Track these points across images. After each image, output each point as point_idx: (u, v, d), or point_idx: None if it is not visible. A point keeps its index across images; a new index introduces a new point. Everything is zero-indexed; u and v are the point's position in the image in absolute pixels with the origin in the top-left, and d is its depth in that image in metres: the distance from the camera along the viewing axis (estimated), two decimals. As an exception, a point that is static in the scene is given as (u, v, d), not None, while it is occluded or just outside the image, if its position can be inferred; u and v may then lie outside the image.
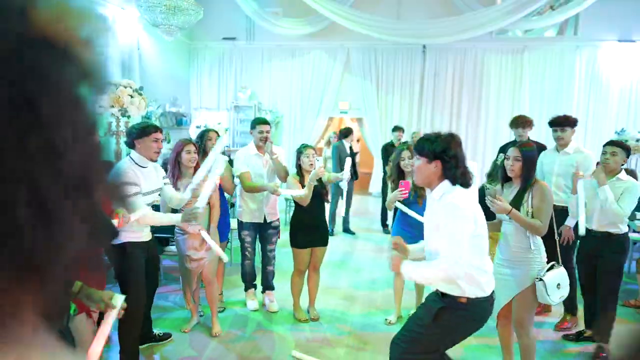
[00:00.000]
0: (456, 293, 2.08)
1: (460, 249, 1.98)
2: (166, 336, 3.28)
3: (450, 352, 2.27)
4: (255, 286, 3.98)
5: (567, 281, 2.70)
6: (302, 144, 3.69)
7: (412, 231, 3.36)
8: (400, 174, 3.41)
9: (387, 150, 6.68)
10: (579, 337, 3.46)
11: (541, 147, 4.20)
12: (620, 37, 8.51)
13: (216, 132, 3.78)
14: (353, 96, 9.62)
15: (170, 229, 3.47)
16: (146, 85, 5.92)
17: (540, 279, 2.56)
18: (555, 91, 8.62)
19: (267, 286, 3.93)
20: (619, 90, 8.47)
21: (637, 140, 6.45)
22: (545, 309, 3.88)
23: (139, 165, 2.78)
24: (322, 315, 3.75)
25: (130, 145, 2.85)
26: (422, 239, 3.77)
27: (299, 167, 3.57)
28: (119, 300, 1.79)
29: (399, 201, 3.35)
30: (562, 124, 3.59)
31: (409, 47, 9.15)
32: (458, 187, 2.08)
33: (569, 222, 3.44)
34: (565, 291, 2.70)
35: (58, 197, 0.29)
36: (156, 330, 3.28)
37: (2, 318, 0.29)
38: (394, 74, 9.41)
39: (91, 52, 0.32)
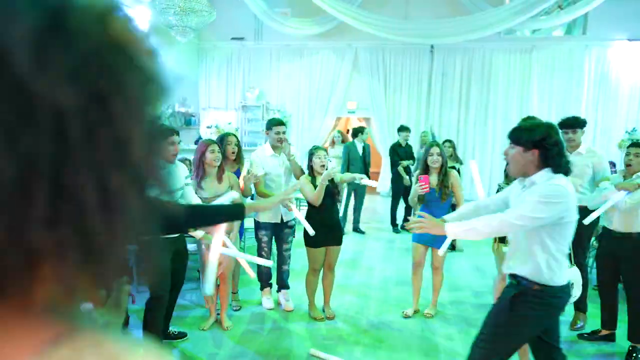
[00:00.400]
0: (532, 276, 2.00)
1: (529, 217, 1.92)
2: (181, 335, 3.32)
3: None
4: (270, 285, 4.03)
5: (581, 281, 2.73)
6: (314, 146, 3.76)
7: None
8: (425, 170, 3.53)
9: (395, 150, 6.74)
10: (594, 336, 3.49)
11: None
12: (630, 36, 8.50)
13: (235, 136, 3.83)
14: (361, 96, 9.66)
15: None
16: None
17: None
18: (563, 91, 8.63)
19: (283, 285, 3.98)
20: (629, 89, 8.47)
21: None
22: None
23: None
24: (337, 313, 3.80)
25: None
26: (443, 238, 3.76)
27: (310, 168, 3.62)
28: None
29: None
30: (573, 125, 3.54)
31: (416, 46, 9.17)
32: (562, 176, 2.01)
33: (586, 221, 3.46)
34: (578, 291, 2.72)
35: (121, 186, 0.31)
36: (172, 328, 3.34)
37: (69, 300, 0.31)
38: (401, 73, 9.43)
39: (154, 61, 0.36)
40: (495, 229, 2.06)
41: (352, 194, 6.78)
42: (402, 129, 6.88)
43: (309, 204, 3.59)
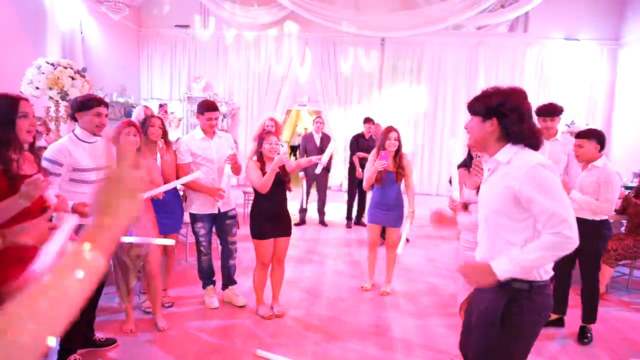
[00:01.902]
0: (526, 275, 1.61)
1: (570, 208, 1.54)
2: (110, 342, 2.96)
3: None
4: (214, 282, 3.73)
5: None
6: (265, 131, 3.52)
7: (386, 210, 3.98)
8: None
9: (357, 141, 6.50)
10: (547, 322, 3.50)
11: None
12: (567, 35, 8.90)
13: (160, 118, 3.47)
14: (312, 88, 9.47)
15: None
16: (90, 72, 5.46)
17: None
18: (508, 85, 8.86)
19: (230, 281, 3.70)
20: (565, 86, 8.87)
21: None
22: None
23: (83, 141, 2.64)
24: (286, 310, 3.57)
25: (73, 118, 2.69)
26: (389, 216, 3.94)
27: (260, 154, 3.37)
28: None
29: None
30: (552, 113, 3.49)
31: (368, 39, 9.10)
32: (528, 149, 1.65)
33: None
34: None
35: None
36: (99, 334, 2.97)
37: None
38: (352, 66, 9.34)
39: None
40: (555, 252, 1.55)
41: (314, 185, 6.56)
42: (366, 120, 6.53)
43: (256, 193, 3.34)
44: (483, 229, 1.77)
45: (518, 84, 8.97)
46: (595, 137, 3.14)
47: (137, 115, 3.92)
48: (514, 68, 8.99)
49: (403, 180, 3.92)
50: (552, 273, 1.67)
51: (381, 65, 9.29)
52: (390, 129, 3.89)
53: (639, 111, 7.87)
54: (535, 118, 3.58)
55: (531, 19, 8.94)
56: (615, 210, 3.96)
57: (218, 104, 9.08)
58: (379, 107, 9.29)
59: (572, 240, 1.53)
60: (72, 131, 2.71)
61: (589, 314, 3.30)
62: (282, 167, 3.31)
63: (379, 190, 3.95)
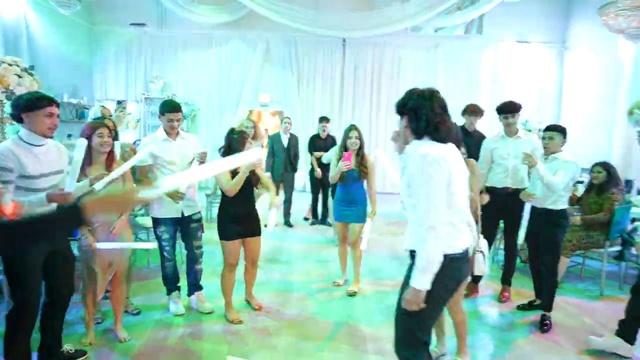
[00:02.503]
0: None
1: (437, 211, 1.78)
2: (79, 354, 2.79)
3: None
4: (179, 288, 3.60)
5: (487, 251, 2.95)
6: (234, 130, 3.40)
7: (350, 207, 3.99)
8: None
9: (313, 142, 6.52)
10: (531, 306, 3.72)
11: (480, 136, 4.43)
12: (518, 38, 9.32)
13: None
14: (273, 89, 9.40)
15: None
16: (38, 71, 5.15)
17: (480, 251, 2.62)
18: (465, 85, 9.18)
19: (196, 286, 3.58)
20: (518, 86, 9.27)
21: (539, 130, 7.06)
22: (472, 290, 4.03)
23: (29, 144, 2.37)
24: (257, 312, 3.52)
25: (17, 119, 2.40)
26: (353, 212, 3.98)
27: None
28: None
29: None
30: (513, 110, 3.73)
31: (329, 40, 9.15)
32: (428, 140, 1.88)
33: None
34: (487, 261, 2.93)
35: None
36: (67, 346, 2.79)
37: None
38: (315, 66, 9.35)
39: None
40: (436, 250, 1.81)
41: (281, 186, 6.49)
42: (320, 119, 6.51)
43: (223, 195, 3.27)
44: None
45: (474, 84, 9.34)
46: (562, 131, 3.44)
47: (93, 115, 3.74)
48: (471, 69, 9.30)
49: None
50: (461, 249, 1.88)
51: (342, 65, 9.36)
52: (351, 128, 3.94)
53: (584, 110, 8.35)
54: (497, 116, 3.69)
55: (485, 22, 9.29)
56: (571, 200, 4.22)
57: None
58: (341, 107, 9.35)
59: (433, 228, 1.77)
60: (17, 133, 2.42)
61: (548, 303, 3.45)
62: (252, 171, 3.26)
63: (342, 188, 4.02)
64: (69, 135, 7.41)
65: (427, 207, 1.78)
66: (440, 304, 2.00)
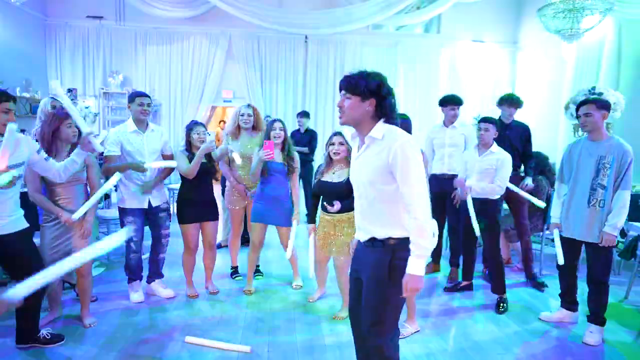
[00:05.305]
0: (396, 234, 1.86)
1: (426, 198, 1.81)
2: (56, 338, 2.81)
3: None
4: (141, 277, 3.61)
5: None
6: (193, 121, 3.60)
7: (272, 206, 3.61)
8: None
9: (293, 136, 6.61)
10: (457, 288, 3.97)
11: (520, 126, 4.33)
12: (474, 37, 9.72)
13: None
14: (237, 85, 9.38)
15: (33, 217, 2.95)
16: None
17: None
18: (425, 83, 9.48)
19: (158, 274, 3.62)
20: (474, 84, 9.67)
21: (475, 122, 7.41)
22: (434, 269, 4.31)
23: None
24: (217, 296, 3.62)
25: None
26: (276, 212, 3.64)
27: (188, 144, 3.52)
28: None
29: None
30: (459, 102, 4.09)
31: (291, 36, 9.23)
32: (393, 126, 1.88)
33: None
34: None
35: None
36: (45, 331, 2.79)
37: None
38: (277, 63, 9.40)
39: None
40: (429, 238, 1.82)
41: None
42: (299, 114, 6.66)
43: (183, 180, 3.44)
44: (360, 203, 1.95)
45: (434, 81, 9.63)
46: (496, 123, 3.61)
47: (42, 108, 3.68)
48: (430, 67, 9.61)
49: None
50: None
51: (305, 62, 9.47)
52: (274, 120, 3.68)
53: (535, 108, 8.82)
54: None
55: (443, 21, 9.64)
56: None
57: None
58: (304, 103, 9.46)
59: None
60: None
61: (498, 286, 3.64)
62: (209, 156, 3.45)
63: (263, 181, 3.63)
64: (22, 131, 7.15)
65: (419, 191, 1.77)
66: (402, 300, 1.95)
